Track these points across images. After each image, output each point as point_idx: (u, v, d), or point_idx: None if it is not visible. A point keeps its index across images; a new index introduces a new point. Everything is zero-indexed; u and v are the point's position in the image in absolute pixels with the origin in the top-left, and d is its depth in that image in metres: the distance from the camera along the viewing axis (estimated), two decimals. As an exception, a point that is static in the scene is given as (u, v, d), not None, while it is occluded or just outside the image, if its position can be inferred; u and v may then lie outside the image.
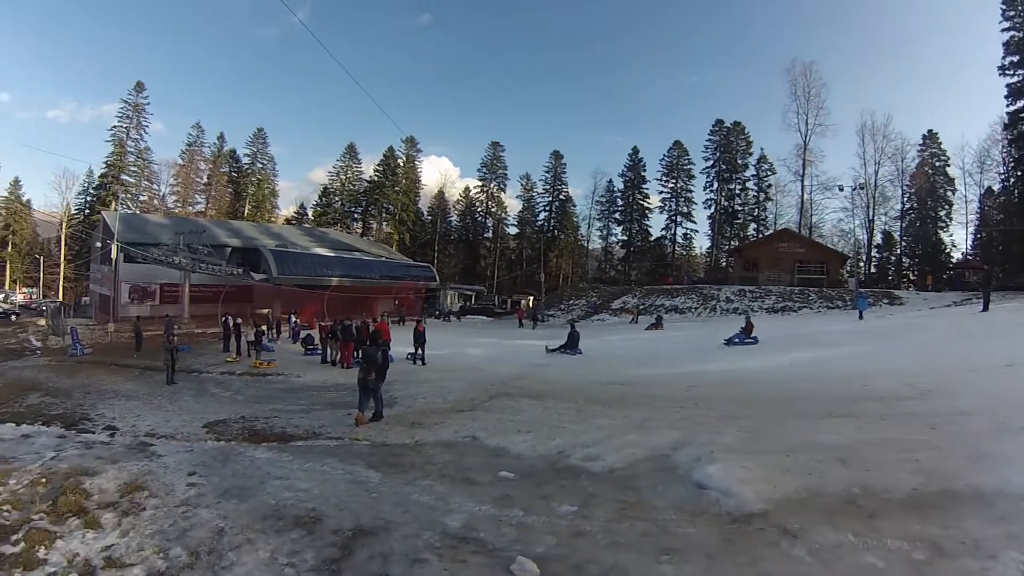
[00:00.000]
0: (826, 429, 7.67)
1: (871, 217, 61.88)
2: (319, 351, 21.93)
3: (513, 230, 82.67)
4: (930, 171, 60.10)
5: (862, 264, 61.63)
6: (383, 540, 4.48)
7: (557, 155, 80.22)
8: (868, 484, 5.39)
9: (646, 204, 76.03)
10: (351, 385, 13.23)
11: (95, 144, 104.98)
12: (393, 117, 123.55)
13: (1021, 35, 48.59)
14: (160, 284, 39.26)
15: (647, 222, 76.32)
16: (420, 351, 19.32)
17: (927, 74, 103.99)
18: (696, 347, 21.21)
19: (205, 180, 74.45)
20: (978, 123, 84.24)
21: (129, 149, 68.72)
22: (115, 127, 68.86)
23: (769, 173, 68.49)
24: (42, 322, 37.38)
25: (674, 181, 74.02)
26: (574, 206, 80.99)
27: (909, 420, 7.91)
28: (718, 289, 44.78)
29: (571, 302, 51.14)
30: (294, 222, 75.24)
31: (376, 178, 77.99)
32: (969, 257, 57.03)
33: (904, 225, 62.31)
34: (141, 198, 70.24)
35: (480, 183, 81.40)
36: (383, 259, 56.02)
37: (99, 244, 44.90)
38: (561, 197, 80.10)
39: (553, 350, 22.42)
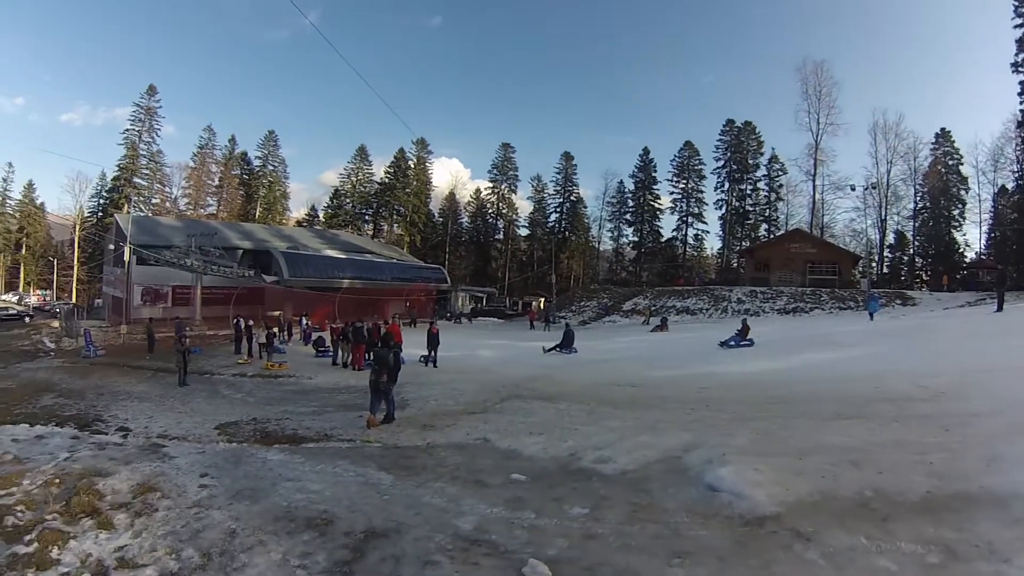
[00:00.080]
0: (838, 431, 7.58)
1: (883, 217, 61.27)
2: (330, 353, 22.01)
3: (524, 231, 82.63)
4: (943, 170, 59.46)
5: (874, 264, 61.24)
6: (395, 542, 4.47)
7: (568, 156, 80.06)
8: (881, 487, 5.33)
9: (657, 205, 75.83)
10: (363, 387, 13.26)
11: (108, 147, 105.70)
12: (404, 119, 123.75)
13: (1034, 32, 47.94)
14: (172, 286, 39.44)
15: (658, 223, 76.18)
16: (432, 353, 19.34)
17: (939, 72, 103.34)
18: (703, 349, 21.07)
19: (217, 183, 74.83)
20: (991, 121, 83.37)
21: (141, 152, 69.27)
22: (127, 130, 69.54)
23: (780, 173, 67.94)
24: (56, 324, 37.65)
25: (685, 182, 73.73)
26: (585, 207, 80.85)
27: (922, 422, 7.81)
28: (729, 290, 44.52)
29: (582, 303, 51.00)
30: (305, 224, 75.48)
31: (387, 180, 78.03)
32: (983, 257, 56.31)
33: (917, 225, 61.63)
34: (153, 201, 70.80)
35: (491, 184, 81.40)
36: (394, 261, 56.07)
37: (112, 247, 45.20)
38: (572, 198, 79.91)
39: (550, 350, 22.81)
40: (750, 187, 70.51)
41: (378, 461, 7.26)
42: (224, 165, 75.28)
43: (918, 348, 16.26)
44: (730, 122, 71.52)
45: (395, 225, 79.02)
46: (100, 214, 69.77)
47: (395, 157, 78.96)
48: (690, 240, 74.60)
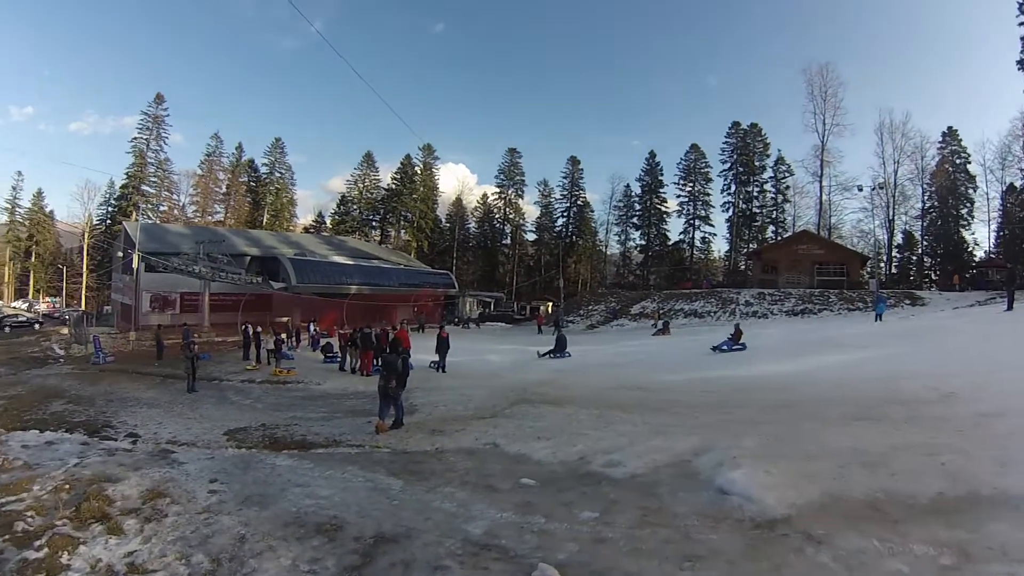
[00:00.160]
0: (849, 433, 7.54)
1: (891, 217, 61.11)
2: (338, 359, 22.01)
3: (531, 236, 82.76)
4: (950, 169, 59.22)
5: (883, 265, 60.89)
6: (405, 547, 4.46)
7: (574, 160, 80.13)
8: (893, 489, 5.31)
9: (664, 208, 75.82)
10: (371, 393, 13.23)
11: (116, 155, 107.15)
12: (410, 125, 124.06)
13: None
14: (180, 293, 39.57)
15: (665, 226, 76.18)
16: (442, 358, 19.32)
17: (946, 70, 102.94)
18: (703, 353, 21.01)
19: (224, 190, 75.10)
20: (999, 119, 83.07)
21: (149, 160, 69.65)
22: (135, 139, 69.91)
23: (787, 174, 67.97)
24: (65, 331, 37.85)
25: (691, 184, 73.72)
26: (592, 211, 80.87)
27: (933, 423, 7.77)
28: (737, 293, 44.28)
29: (590, 307, 50.80)
30: (312, 231, 75.87)
31: (394, 186, 78.20)
32: (992, 255, 55.88)
33: (925, 224, 61.32)
34: (161, 208, 71.07)
35: (498, 190, 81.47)
36: (402, 267, 56.19)
37: (120, 254, 45.37)
38: (579, 202, 79.92)
39: (544, 354, 22.90)
40: (757, 189, 70.51)
41: (387, 466, 7.26)
42: (231, 172, 75.59)
43: (928, 349, 16.17)
44: (736, 124, 71.56)
45: (402, 231, 79.15)
46: (109, 222, 70.06)
47: (402, 163, 79.17)
48: (697, 243, 74.73)
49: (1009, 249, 54.65)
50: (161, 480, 5.89)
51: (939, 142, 60.13)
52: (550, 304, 58.19)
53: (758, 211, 70.39)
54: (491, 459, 7.83)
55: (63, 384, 18.43)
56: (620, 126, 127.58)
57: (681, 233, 74.91)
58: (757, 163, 70.08)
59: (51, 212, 79.23)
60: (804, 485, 5.47)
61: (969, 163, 59.24)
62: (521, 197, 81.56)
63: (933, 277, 59.29)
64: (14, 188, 75.34)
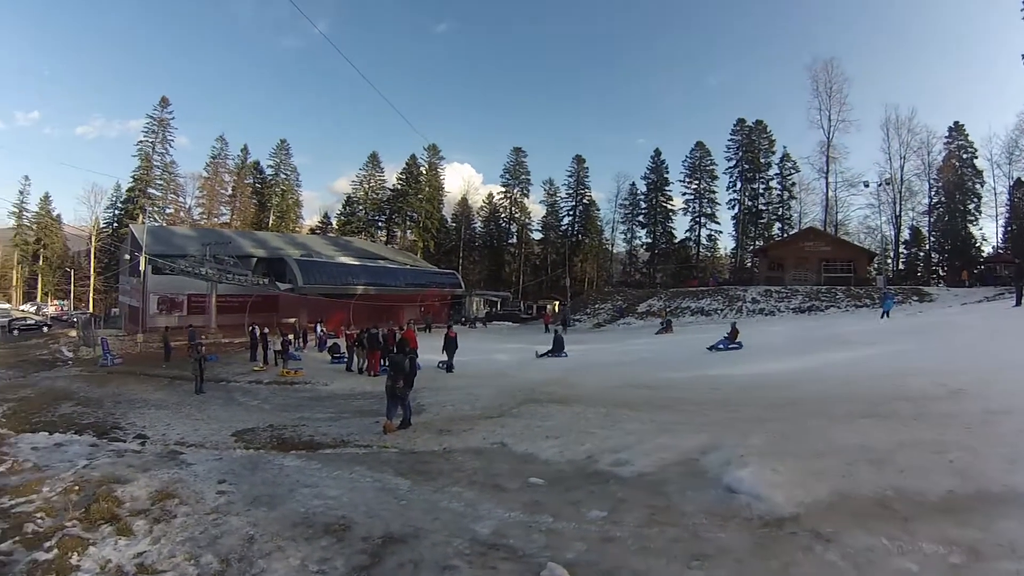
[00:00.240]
0: (857, 431, 7.50)
1: (898, 213, 60.61)
2: (345, 359, 22.03)
3: (537, 235, 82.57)
4: (957, 164, 58.79)
5: (890, 261, 60.52)
6: (413, 547, 4.47)
7: (579, 159, 79.96)
8: (901, 486, 5.29)
9: (669, 206, 75.59)
10: (378, 393, 13.26)
11: (122, 159, 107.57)
12: (415, 125, 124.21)
13: (1042, 24, 47.29)
14: (187, 295, 39.71)
15: (671, 224, 75.93)
16: (449, 358, 19.35)
17: (951, 64, 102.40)
18: (704, 352, 20.97)
19: (230, 192, 75.42)
20: (1006, 113, 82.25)
21: (155, 163, 69.95)
22: (141, 142, 70.30)
23: (793, 171, 67.47)
24: (73, 333, 38.11)
25: (697, 182, 73.45)
26: (598, 210, 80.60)
27: (942, 420, 7.72)
28: (744, 290, 44.10)
29: (597, 306, 50.63)
30: (318, 232, 75.95)
31: (399, 186, 78.22)
32: (1000, 251, 55.35)
33: (932, 220, 60.96)
34: (167, 211, 71.43)
35: (503, 189, 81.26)
36: (408, 267, 56.17)
37: (127, 256, 45.54)
38: (584, 201, 79.78)
39: (542, 355, 22.97)
40: (762, 186, 70.11)
41: (395, 466, 7.27)
42: (237, 174, 75.87)
43: (936, 345, 16.06)
44: (741, 121, 71.19)
45: (408, 231, 79.21)
46: (115, 225, 70.58)
47: (407, 163, 79.20)
48: (703, 241, 74.37)
49: (1017, 244, 54.17)
50: (170, 481, 5.91)
51: (945, 137, 59.76)
52: (557, 303, 58.07)
53: (764, 208, 70.00)
54: (499, 458, 7.82)
55: (72, 386, 18.54)
56: (625, 124, 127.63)
57: (687, 231, 74.70)
58: (763, 160, 69.67)
59: (58, 216, 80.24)
60: (812, 483, 5.45)
61: (976, 158, 58.84)
62: (527, 196, 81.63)
63: (941, 273, 58.87)
64: (21, 192, 76.30)
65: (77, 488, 5.53)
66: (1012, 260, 45.28)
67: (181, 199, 73.18)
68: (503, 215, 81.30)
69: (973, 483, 5.21)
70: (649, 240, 76.40)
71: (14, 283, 78.40)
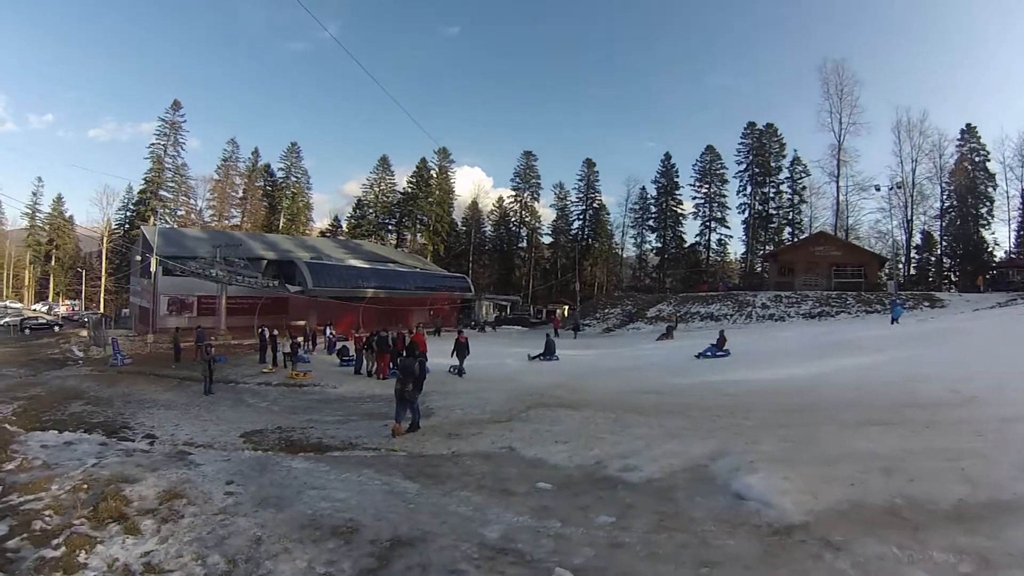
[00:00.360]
0: (867, 437, 7.46)
1: (909, 217, 59.88)
2: (354, 362, 22.02)
3: (547, 239, 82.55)
4: (969, 167, 58.12)
5: (901, 266, 60.07)
6: (421, 551, 4.45)
7: (590, 163, 79.78)
8: (912, 494, 5.25)
9: (679, 210, 75.29)
10: (387, 396, 13.25)
11: (134, 161, 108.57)
12: (425, 128, 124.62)
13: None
14: (198, 296, 39.89)
15: (681, 228, 75.64)
16: (460, 362, 19.33)
17: (963, 67, 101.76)
18: (709, 357, 20.91)
19: (240, 194, 75.84)
20: (1018, 115, 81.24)
21: (167, 165, 70.61)
22: (153, 144, 71.02)
23: (803, 175, 67.06)
24: (84, 333, 38.34)
25: (707, 186, 73.14)
26: (608, 214, 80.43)
27: (954, 428, 7.67)
28: (754, 295, 43.78)
29: (606, 311, 50.40)
30: (328, 234, 76.34)
31: (409, 189, 78.41)
32: (1013, 256, 54.87)
33: (944, 224, 60.34)
34: (179, 213, 72.12)
35: (513, 193, 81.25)
36: (418, 270, 56.29)
37: (139, 258, 45.86)
38: (595, 205, 79.59)
39: (534, 357, 23.48)
40: (773, 190, 69.69)
41: (403, 470, 7.26)
42: (248, 177, 76.36)
43: (948, 352, 15.89)
44: (751, 125, 70.90)
45: (418, 234, 79.32)
46: (127, 226, 71.20)
47: (417, 167, 79.41)
48: (713, 245, 74.04)
49: (1030, 249, 53.75)
50: (178, 481, 5.92)
51: (957, 140, 59.13)
52: (566, 307, 57.96)
53: (774, 212, 69.56)
54: (507, 463, 7.80)
55: (82, 385, 18.67)
56: (634, 128, 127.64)
57: (697, 235, 74.34)
58: (773, 164, 69.28)
59: (71, 217, 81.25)
60: (822, 490, 5.42)
61: (988, 161, 58.14)
62: (537, 200, 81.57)
63: (952, 278, 58.30)
64: (35, 193, 77.26)
65: (86, 486, 5.55)
66: (1024, 265, 44.79)
67: (192, 201, 73.92)
68: (513, 219, 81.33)
69: (985, 491, 5.16)
70: (659, 244, 76.09)
71: (26, 283, 79.18)
